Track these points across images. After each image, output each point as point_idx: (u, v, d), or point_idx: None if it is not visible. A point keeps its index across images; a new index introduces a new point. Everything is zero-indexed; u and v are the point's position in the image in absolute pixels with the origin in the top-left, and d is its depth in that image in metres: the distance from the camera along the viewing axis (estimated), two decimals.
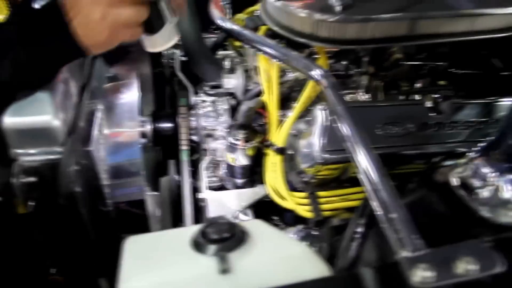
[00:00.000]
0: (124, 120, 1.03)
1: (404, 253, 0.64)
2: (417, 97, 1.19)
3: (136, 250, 0.72)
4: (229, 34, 1.06)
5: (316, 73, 0.90)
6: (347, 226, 0.99)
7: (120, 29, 0.79)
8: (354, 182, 1.07)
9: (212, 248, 0.66)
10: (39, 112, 0.83)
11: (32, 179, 0.87)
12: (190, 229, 0.71)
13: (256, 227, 0.72)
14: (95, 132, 0.95)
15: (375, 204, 0.71)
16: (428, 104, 1.09)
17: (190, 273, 0.65)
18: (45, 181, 0.88)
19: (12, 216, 0.86)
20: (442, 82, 1.21)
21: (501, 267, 0.60)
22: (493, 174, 0.74)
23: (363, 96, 1.17)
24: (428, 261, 0.60)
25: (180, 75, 1.28)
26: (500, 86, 1.14)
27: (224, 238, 0.66)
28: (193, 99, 1.25)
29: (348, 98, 1.19)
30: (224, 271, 0.63)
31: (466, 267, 0.60)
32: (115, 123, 1.02)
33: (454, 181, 0.79)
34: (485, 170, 0.75)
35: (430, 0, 1.06)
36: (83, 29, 0.77)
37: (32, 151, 0.86)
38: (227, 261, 0.64)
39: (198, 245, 0.67)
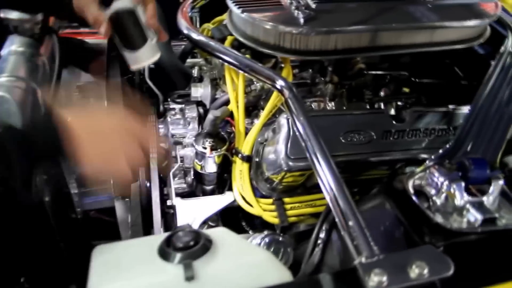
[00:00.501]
0: None
1: (361, 259, 0.67)
2: (382, 105, 1.23)
3: (104, 259, 0.73)
4: (195, 44, 1.08)
5: (278, 83, 0.92)
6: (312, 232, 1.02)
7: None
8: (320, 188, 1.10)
9: (177, 256, 0.67)
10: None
11: None
12: (158, 238, 0.73)
13: (221, 235, 0.75)
14: None
15: (333, 211, 0.75)
16: (390, 112, 1.13)
17: (157, 281, 0.67)
18: (12, 191, 0.88)
19: None
20: (405, 90, 1.25)
21: (450, 270, 0.63)
22: (446, 182, 0.78)
23: (328, 104, 1.21)
24: (382, 267, 0.63)
25: (150, 83, 1.29)
26: (460, 94, 1.19)
27: (189, 246, 0.69)
28: (162, 107, 1.27)
29: (314, 105, 1.23)
30: (189, 278, 0.65)
31: (418, 271, 0.63)
32: None
33: (410, 188, 0.83)
34: (439, 178, 0.79)
35: (391, 12, 1.10)
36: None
37: None
38: (192, 268, 0.66)
39: (164, 253, 0.68)
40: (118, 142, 0.80)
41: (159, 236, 0.74)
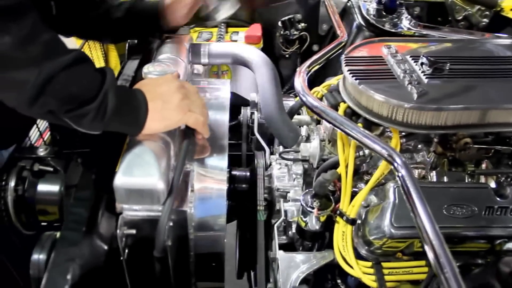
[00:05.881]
0: (213, 176, 1.13)
1: None
2: (482, 179, 1.26)
3: None
4: (312, 110, 1.16)
5: (394, 160, 0.98)
6: None
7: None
8: (417, 255, 1.14)
9: None
10: (147, 174, 0.95)
11: (132, 231, 0.98)
12: None
13: None
14: (189, 192, 1.06)
15: None
16: (490, 185, 1.16)
17: None
18: (142, 234, 0.98)
19: (115, 263, 0.98)
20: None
21: None
22: None
23: (429, 173, 1.25)
24: None
25: (258, 136, 1.39)
26: None
27: None
28: (269, 160, 1.35)
29: (415, 172, 1.27)
30: None
31: None
32: (206, 184, 1.12)
33: None
34: None
35: (501, 90, 1.13)
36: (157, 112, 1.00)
37: (136, 207, 0.97)
38: None
39: None
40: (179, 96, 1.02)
41: None
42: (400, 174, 0.96)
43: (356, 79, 1.13)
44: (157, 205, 0.97)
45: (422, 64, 1.18)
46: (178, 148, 1.08)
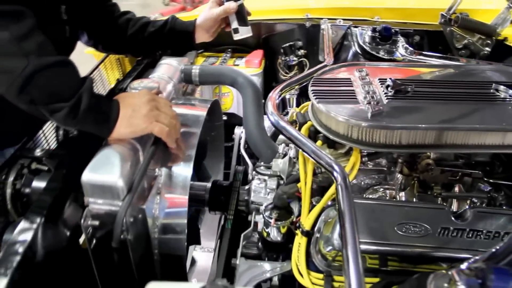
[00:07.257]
0: (177, 183, 1.23)
1: None
2: (455, 203, 1.26)
3: None
4: (275, 127, 1.24)
5: (334, 169, 1.03)
6: None
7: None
8: (371, 271, 1.16)
9: None
10: (110, 172, 1.06)
11: (95, 222, 1.09)
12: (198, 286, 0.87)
13: None
14: (153, 194, 1.16)
15: None
16: (452, 208, 1.16)
17: None
18: (105, 226, 1.09)
19: (75, 249, 1.10)
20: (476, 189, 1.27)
21: None
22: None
23: (398, 194, 1.27)
24: None
25: (243, 153, 1.47)
26: None
27: None
28: (250, 175, 1.43)
29: (386, 193, 1.30)
30: None
31: None
32: (170, 189, 1.23)
33: None
34: (457, 283, 0.82)
35: (463, 113, 1.15)
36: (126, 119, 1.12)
37: (100, 201, 1.08)
38: None
39: None
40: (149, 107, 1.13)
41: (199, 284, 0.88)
42: (337, 184, 1.00)
43: (316, 98, 1.19)
44: (118, 201, 1.08)
45: (387, 86, 1.23)
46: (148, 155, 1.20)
